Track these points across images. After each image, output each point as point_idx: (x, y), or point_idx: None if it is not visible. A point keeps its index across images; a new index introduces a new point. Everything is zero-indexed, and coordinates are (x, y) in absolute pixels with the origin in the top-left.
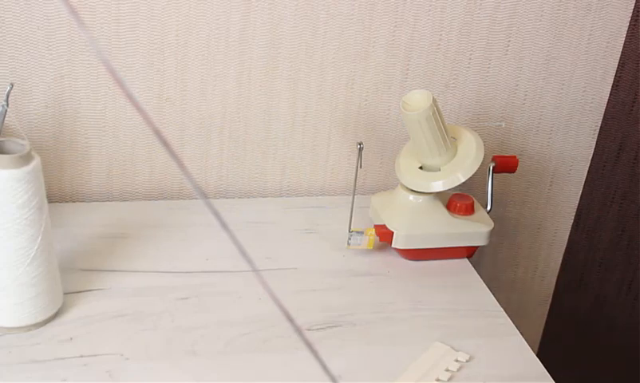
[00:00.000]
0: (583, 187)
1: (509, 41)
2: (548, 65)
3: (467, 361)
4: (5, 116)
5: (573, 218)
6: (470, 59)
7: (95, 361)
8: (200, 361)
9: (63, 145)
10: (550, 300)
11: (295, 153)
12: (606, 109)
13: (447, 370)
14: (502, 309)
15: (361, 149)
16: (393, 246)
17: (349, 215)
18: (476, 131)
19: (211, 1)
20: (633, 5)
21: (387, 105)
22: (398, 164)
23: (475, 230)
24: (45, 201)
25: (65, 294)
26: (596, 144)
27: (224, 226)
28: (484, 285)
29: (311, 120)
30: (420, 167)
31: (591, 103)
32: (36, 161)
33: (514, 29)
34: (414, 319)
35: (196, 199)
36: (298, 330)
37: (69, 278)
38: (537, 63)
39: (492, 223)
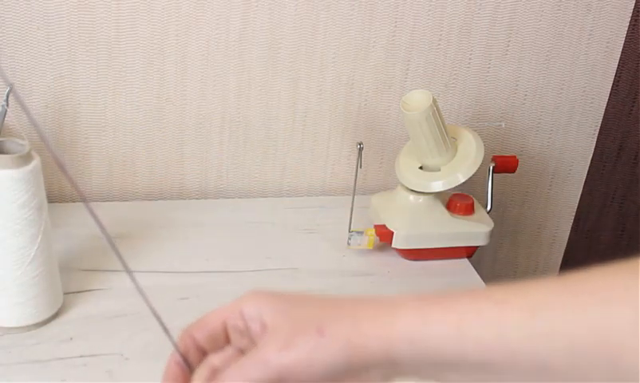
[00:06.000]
0: (583, 187)
1: (509, 41)
2: (548, 65)
3: None
4: (5, 116)
5: (573, 218)
6: (470, 59)
7: (95, 361)
8: None
9: (63, 145)
10: None
11: (295, 153)
12: (606, 109)
13: None
14: None
15: (361, 149)
16: (393, 246)
17: (349, 215)
18: (475, 131)
19: (211, 1)
20: (633, 5)
21: (387, 105)
22: (398, 164)
23: (475, 230)
24: (45, 201)
25: (65, 294)
26: (596, 144)
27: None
28: (484, 285)
29: (311, 120)
30: (420, 167)
31: (591, 103)
32: (36, 161)
33: (514, 29)
34: None
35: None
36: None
37: (69, 278)
38: (537, 63)
39: (492, 223)
